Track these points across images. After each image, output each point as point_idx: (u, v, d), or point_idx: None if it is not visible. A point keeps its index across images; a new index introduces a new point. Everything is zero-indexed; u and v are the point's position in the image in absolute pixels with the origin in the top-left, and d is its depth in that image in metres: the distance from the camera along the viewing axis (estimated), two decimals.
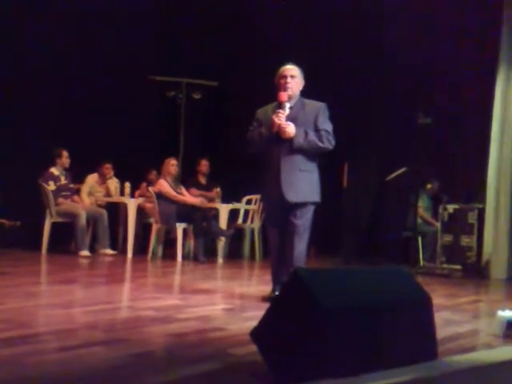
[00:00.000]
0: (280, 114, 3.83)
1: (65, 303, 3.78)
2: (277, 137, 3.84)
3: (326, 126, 3.92)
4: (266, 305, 3.70)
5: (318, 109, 3.95)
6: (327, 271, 2.57)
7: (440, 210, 6.85)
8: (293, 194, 3.83)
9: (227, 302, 4.00)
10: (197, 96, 8.16)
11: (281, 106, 3.90)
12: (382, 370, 2.06)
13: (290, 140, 3.83)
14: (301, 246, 3.86)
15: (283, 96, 3.89)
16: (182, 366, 2.40)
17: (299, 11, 7.74)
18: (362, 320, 2.11)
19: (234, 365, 2.48)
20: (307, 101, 4.01)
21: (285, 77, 3.93)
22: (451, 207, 6.74)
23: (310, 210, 3.90)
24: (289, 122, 3.83)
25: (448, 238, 6.71)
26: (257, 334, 2.31)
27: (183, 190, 6.84)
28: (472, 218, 6.58)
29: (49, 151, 6.72)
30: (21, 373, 2.24)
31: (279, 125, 3.82)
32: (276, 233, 3.96)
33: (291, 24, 7.77)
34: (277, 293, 3.86)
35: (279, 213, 3.91)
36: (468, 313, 4.10)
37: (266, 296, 3.95)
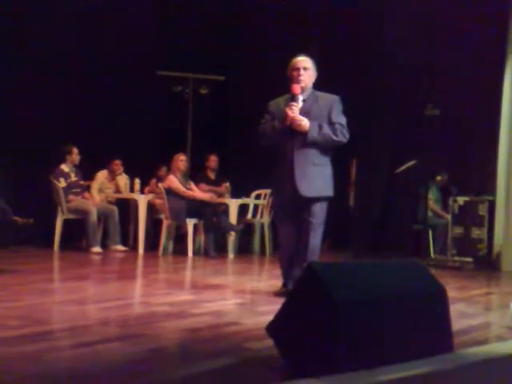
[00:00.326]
0: (293, 107, 3.80)
1: (79, 300, 3.82)
2: (290, 130, 3.81)
3: (340, 119, 3.90)
4: (278, 299, 3.75)
5: (332, 102, 3.92)
6: (341, 265, 2.58)
7: (450, 203, 6.84)
8: (306, 189, 3.80)
9: (239, 297, 4.02)
10: (204, 91, 8.16)
11: (294, 98, 3.87)
12: (396, 364, 2.07)
13: (304, 133, 3.80)
14: (315, 240, 3.87)
15: (296, 88, 3.86)
16: (199, 361, 2.43)
17: (305, 7, 7.72)
18: (375, 313, 2.12)
19: (249, 359, 2.50)
20: (320, 93, 3.97)
21: (298, 69, 3.89)
22: (461, 199, 6.73)
23: (324, 204, 3.89)
24: (302, 117, 3.81)
25: (459, 231, 6.70)
26: (272, 328, 2.33)
27: (192, 186, 6.86)
28: (482, 210, 6.56)
29: (59, 148, 6.76)
30: (40, 369, 2.27)
31: (293, 118, 3.78)
32: (287, 228, 3.93)
33: (297, 18, 7.75)
34: (289, 287, 3.87)
35: (291, 207, 3.89)
36: (480, 305, 4.10)
37: (277, 291, 3.96)
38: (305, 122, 3.79)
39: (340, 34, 7.47)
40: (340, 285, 2.14)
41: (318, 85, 4.05)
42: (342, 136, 3.88)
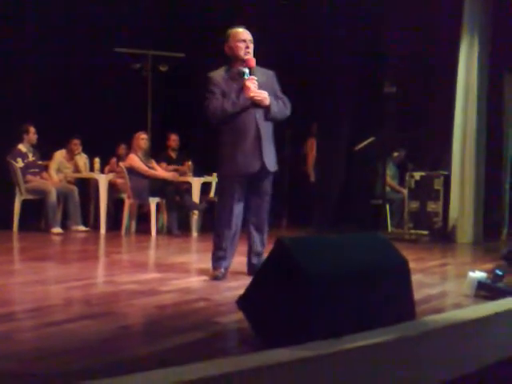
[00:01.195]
0: (255, 81, 3.72)
1: (43, 280, 3.79)
2: (252, 105, 3.75)
3: (281, 93, 3.94)
4: (243, 275, 3.83)
5: (273, 76, 3.93)
6: (309, 239, 2.65)
7: (406, 178, 7.02)
8: (270, 163, 3.82)
9: (206, 274, 4.05)
10: (163, 68, 8.06)
11: (250, 71, 3.75)
12: (365, 332, 2.16)
13: (264, 108, 3.77)
14: (268, 215, 3.96)
15: (252, 61, 3.76)
16: (171, 336, 2.46)
17: None
18: (345, 285, 2.20)
19: (221, 333, 2.56)
20: (258, 68, 3.88)
21: (244, 41, 3.79)
22: (417, 174, 6.91)
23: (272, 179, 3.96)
24: (264, 91, 3.75)
25: (415, 205, 6.89)
26: (243, 301, 2.38)
27: (154, 164, 6.81)
28: (438, 184, 6.76)
29: (16, 128, 6.58)
30: (8, 349, 2.26)
31: (255, 92, 3.70)
32: (238, 204, 3.83)
33: None
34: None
35: (246, 183, 3.83)
36: (438, 275, 4.27)
37: (219, 275, 3.80)
38: (267, 96, 3.76)
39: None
40: (310, 259, 2.20)
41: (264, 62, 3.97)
42: (289, 110, 3.93)
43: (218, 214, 3.88)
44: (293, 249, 2.17)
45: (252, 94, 3.71)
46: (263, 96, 3.74)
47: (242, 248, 4.01)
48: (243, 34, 3.82)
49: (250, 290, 2.33)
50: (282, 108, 3.86)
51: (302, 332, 2.06)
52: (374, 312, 2.26)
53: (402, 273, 2.46)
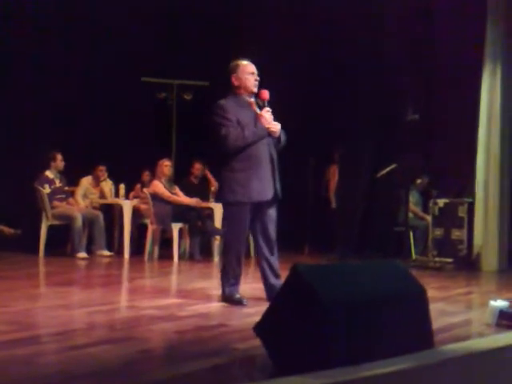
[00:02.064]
0: (270, 113, 3.90)
1: (67, 305, 3.86)
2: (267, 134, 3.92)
3: None
4: (263, 301, 3.84)
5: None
6: (325, 266, 2.67)
7: (430, 205, 6.97)
8: (280, 191, 3.97)
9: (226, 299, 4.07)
10: (188, 97, 8.22)
11: (264, 103, 3.93)
12: (380, 360, 2.16)
13: (274, 138, 3.94)
14: None
15: (266, 94, 3.93)
16: (189, 361, 2.49)
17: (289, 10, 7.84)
18: (361, 312, 2.20)
19: (237, 359, 2.57)
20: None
21: (253, 74, 3.96)
22: (441, 201, 6.87)
23: None
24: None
25: (439, 232, 6.84)
26: (260, 328, 2.40)
27: (177, 191, 6.91)
28: (462, 211, 6.70)
29: (43, 154, 6.77)
30: (31, 372, 2.32)
31: (271, 124, 3.88)
32: (246, 230, 3.93)
33: (280, 22, 7.86)
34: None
35: (256, 211, 3.93)
36: (461, 304, 4.22)
37: (238, 299, 3.87)
38: (279, 128, 3.94)
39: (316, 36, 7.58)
40: (326, 287, 2.21)
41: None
42: (285, 143, 4.07)
43: (230, 241, 3.92)
44: (308, 276, 2.19)
45: (268, 126, 3.87)
46: (277, 128, 3.92)
47: (257, 273, 4.03)
48: (252, 67, 3.98)
49: (266, 316, 2.35)
50: (284, 138, 4.04)
51: (317, 359, 2.07)
52: (389, 340, 2.25)
53: (420, 301, 2.45)
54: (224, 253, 3.99)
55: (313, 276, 2.25)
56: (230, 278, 3.90)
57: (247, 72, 3.95)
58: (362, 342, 2.21)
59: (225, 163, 3.89)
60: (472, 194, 6.53)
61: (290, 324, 2.22)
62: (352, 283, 2.33)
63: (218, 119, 3.86)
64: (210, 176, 7.45)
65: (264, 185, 3.88)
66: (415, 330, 2.39)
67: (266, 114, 3.88)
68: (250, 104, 3.97)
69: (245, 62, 4.00)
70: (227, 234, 3.98)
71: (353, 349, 2.16)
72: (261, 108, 3.94)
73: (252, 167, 3.85)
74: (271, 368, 2.33)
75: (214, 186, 7.09)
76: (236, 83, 3.95)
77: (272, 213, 3.97)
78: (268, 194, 3.89)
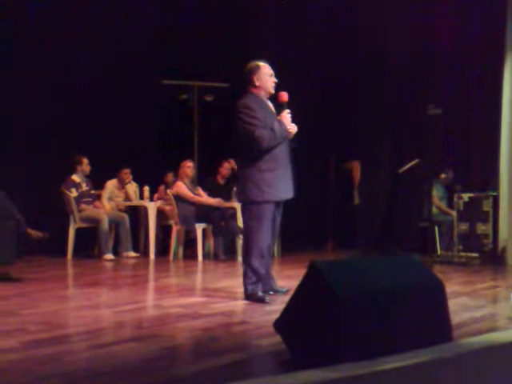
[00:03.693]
0: (289, 115, 3.99)
1: (95, 305, 3.97)
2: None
3: None
4: (285, 298, 3.88)
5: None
6: (342, 262, 2.71)
7: (455, 199, 6.92)
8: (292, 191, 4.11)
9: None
10: (209, 98, 8.29)
11: (282, 105, 4.01)
12: (397, 354, 2.19)
13: (289, 139, 4.05)
14: None
15: (286, 96, 4.01)
16: (212, 357, 2.56)
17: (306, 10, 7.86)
18: (376, 307, 2.24)
19: (260, 354, 2.63)
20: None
21: (272, 75, 4.06)
22: (466, 196, 6.81)
23: None
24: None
25: (464, 227, 6.78)
26: (279, 324, 2.46)
27: (200, 191, 6.99)
28: (487, 205, 6.64)
29: (70, 159, 6.92)
30: (61, 369, 2.41)
31: (290, 125, 3.98)
32: (269, 229, 4.03)
33: (297, 23, 7.89)
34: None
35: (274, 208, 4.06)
36: (485, 298, 4.19)
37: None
38: (296, 130, 4.04)
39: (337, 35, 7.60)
40: (342, 282, 2.26)
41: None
42: None
43: (254, 240, 3.96)
44: (325, 272, 2.24)
45: (288, 127, 3.98)
46: (295, 130, 4.03)
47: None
48: (270, 68, 4.08)
49: (285, 313, 2.40)
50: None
51: (333, 353, 2.11)
52: (405, 333, 2.28)
53: (438, 295, 2.47)
54: (247, 251, 4.03)
55: (330, 272, 2.30)
56: (252, 276, 3.95)
57: (267, 73, 4.05)
58: (379, 336, 2.24)
59: (252, 163, 3.96)
60: (497, 188, 6.46)
61: (307, 319, 2.27)
62: (369, 278, 2.36)
63: (247, 119, 3.90)
64: None
65: (288, 184, 4.05)
66: (433, 323, 2.41)
67: (287, 116, 3.97)
68: (268, 105, 4.06)
69: (263, 64, 4.09)
70: (252, 232, 4.00)
71: (368, 342, 2.19)
72: (280, 109, 4.01)
73: (279, 167, 3.98)
74: (291, 362, 2.39)
75: None
76: (257, 83, 4.03)
77: (280, 211, 4.16)
78: (290, 193, 4.08)
